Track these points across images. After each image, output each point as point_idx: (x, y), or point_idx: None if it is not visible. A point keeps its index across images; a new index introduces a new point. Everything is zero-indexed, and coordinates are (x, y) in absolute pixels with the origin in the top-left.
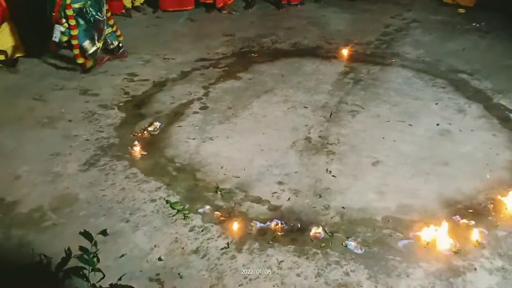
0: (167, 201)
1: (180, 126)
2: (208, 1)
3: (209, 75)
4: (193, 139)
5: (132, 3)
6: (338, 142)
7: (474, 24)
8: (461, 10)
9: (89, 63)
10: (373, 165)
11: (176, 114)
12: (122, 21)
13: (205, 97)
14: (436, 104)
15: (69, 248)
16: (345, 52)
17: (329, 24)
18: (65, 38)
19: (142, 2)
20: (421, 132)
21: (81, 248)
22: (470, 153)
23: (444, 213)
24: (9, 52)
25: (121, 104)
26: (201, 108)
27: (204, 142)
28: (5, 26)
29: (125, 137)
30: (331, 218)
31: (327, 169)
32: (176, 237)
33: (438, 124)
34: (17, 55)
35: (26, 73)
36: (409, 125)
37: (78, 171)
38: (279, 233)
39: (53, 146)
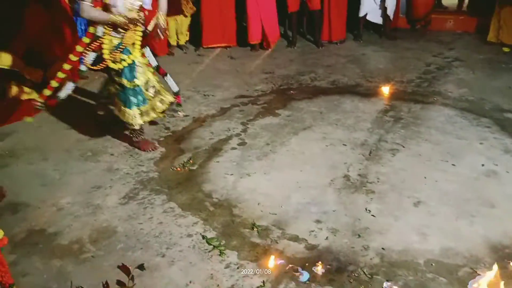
0: (203, 237)
1: (218, 162)
2: (254, 42)
3: (248, 111)
4: (231, 174)
5: (177, 41)
6: (378, 181)
7: None
8: (506, 49)
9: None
10: (415, 205)
11: (215, 150)
12: (165, 59)
13: (244, 133)
14: (481, 143)
15: (106, 282)
16: (385, 90)
17: (369, 62)
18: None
19: (186, 40)
20: (465, 172)
21: (118, 282)
22: None
23: (491, 257)
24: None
25: (161, 139)
26: (239, 144)
27: (241, 178)
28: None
29: (164, 171)
30: (371, 259)
31: (366, 208)
32: (211, 273)
33: (483, 165)
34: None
35: (74, 107)
36: (452, 165)
37: (117, 204)
38: (317, 273)
39: (95, 178)
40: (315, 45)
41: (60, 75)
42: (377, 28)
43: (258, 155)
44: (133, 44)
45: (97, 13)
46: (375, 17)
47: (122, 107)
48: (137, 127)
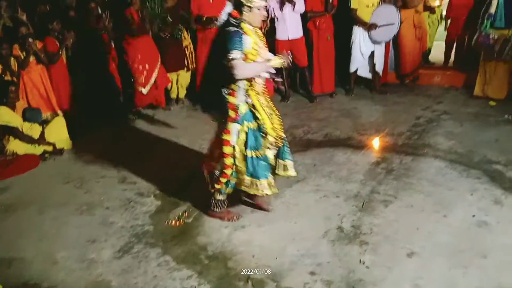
0: None
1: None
2: None
3: None
4: (225, 227)
5: (177, 95)
6: (371, 232)
7: (507, 116)
8: (492, 103)
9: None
10: (408, 256)
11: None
12: (162, 113)
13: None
14: (471, 195)
15: None
16: (377, 142)
17: (361, 115)
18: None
19: (185, 94)
20: (457, 223)
21: None
22: (510, 245)
23: None
24: (57, 144)
25: (157, 192)
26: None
27: (236, 230)
28: (57, 120)
29: (159, 224)
30: None
31: (360, 260)
32: None
33: (474, 216)
34: (64, 147)
35: (71, 161)
36: (444, 216)
37: (112, 258)
38: None
39: (90, 232)
40: (308, 99)
41: (228, 171)
42: (367, 83)
43: (252, 208)
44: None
45: (253, 65)
46: (365, 72)
47: (252, 179)
48: (222, 198)
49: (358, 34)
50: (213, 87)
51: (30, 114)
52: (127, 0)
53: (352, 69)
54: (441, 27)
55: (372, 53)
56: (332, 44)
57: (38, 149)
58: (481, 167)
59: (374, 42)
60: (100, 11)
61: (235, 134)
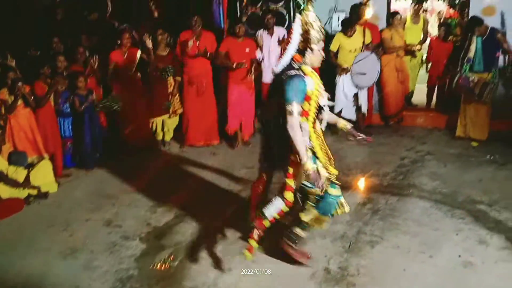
0: None
1: (199, 257)
2: (231, 131)
3: None
4: (212, 270)
5: (162, 137)
6: (358, 274)
7: (488, 156)
8: (475, 144)
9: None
10: None
11: (196, 246)
12: (147, 152)
13: (226, 227)
14: (457, 235)
15: None
16: (362, 183)
17: (347, 156)
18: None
19: (171, 137)
20: (443, 264)
21: None
22: (495, 285)
23: None
24: (42, 187)
25: (142, 235)
26: (220, 239)
27: (222, 273)
28: (43, 164)
29: (144, 268)
30: None
31: None
32: None
33: (459, 256)
34: (49, 190)
35: (55, 205)
36: (430, 256)
37: None
38: None
39: (74, 277)
40: None
41: (285, 208)
42: (352, 124)
43: (239, 250)
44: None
45: (301, 143)
46: (349, 113)
47: (320, 215)
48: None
49: (341, 77)
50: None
51: (15, 158)
52: (115, 44)
53: (336, 110)
54: (423, 71)
55: (356, 95)
56: None
57: (22, 193)
58: (465, 207)
59: (357, 87)
60: (88, 55)
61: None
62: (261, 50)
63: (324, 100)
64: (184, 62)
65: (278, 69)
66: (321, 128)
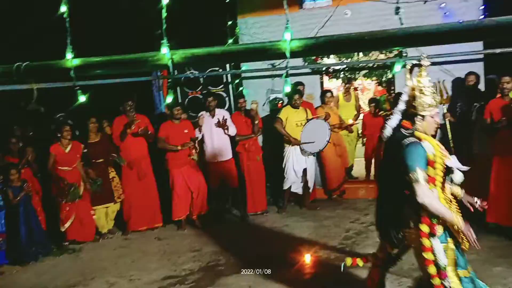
0: None
1: None
2: (178, 218)
3: None
4: None
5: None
6: None
7: None
8: None
9: None
10: None
11: None
12: (90, 246)
13: None
14: None
15: None
16: (310, 258)
17: (293, 232)
18: None
19: (112, 225)
20: None
21: None
22: None
23: None
24: None
25: None
26: None
27: None
28: None
29: None
30: None
31: None
32: None
33: None
34: None
35: None
36: None
37: None
38: None
39: None
40: (241, 219)
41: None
42: (297, 200)
43: None
44: None
45: (442, 207)
46: (298, 188)
47: None
48: None
49: (291, 153)
50: (390, 205)
51: None
52: (53, 136)
53: (286, 187)
54: (360, 144)
55: (304, 171)
56: (261, 165)
57: None
58: (411, 275)
59: (307, 154)
60: (21, 145)
61: (441, 253)
62: (200, 130)
63: (451, 162)
64: (121, 148)
65: (386, 134)
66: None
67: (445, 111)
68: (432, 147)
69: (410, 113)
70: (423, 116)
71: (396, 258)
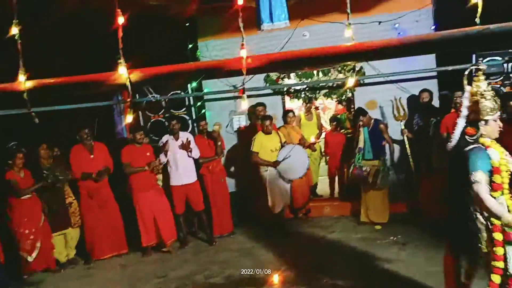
0: None
1: None
2: (147, 245)
3: None
4: None
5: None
6: None
7: (391, 237)
8: (378, 227)
9: None
10: None
11: None
12: (51, 277)
13: None
14: None
15: None
16: (278, 278)
17: (261, 253)
18: None
19: (74, 254)
20: None
21: None
22: None
23: None
24: None
25: None
26: None
27: None
28: None
29: None
30: None
31: None
32: None
33: None
34: None
35: None
36: None
37: None
38: None
39: None
40: (208, 242)
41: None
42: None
43: None
44: None
45: (496, 206)
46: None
47: None
48: None
49: (270, 176)
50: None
51: None
52: (6, 164)
53: (277, 210)
54: (323, 162)
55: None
56: (226, 186)
57: None
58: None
59: (289, 180)
60: None
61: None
62: (165, 154)
63: None
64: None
65: (452, 144)
66: None
67: (402, 127)
68: (498, 153)
69: (473, 119)
70: (486, 120)
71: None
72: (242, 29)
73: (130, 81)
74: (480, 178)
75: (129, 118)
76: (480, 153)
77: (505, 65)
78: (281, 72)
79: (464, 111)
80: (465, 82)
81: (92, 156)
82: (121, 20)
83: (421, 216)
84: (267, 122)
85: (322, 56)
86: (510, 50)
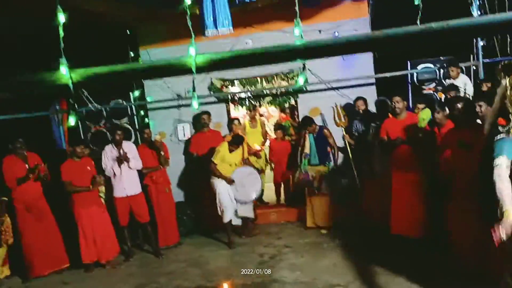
0: None
1: None
2: (87, 262)
3: None
4: None
5: None
6: None
7: (337, 241)
8: (324, 231)
9: None
10: None
11: None
12: None
13: None
14: None
15: None
16: (227, 287)
17: (208, 262)
18: None
19: (7, 275)
20: None
21: None
22: None
23: None
24: None
25: None
26: None
27: None
28: None
29: None
30: None
31: None
32: None
33: None
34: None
35: None
36: None
37: None
38: None
39: None
40: (154, 254)
41: None
42: (208, 231)
43: None
44: None
45: (505, 191)
46: (236, 220)
47: None
48: None
49: (223, 187)
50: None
51: None
52: None
53: (226, 220)
54: (269, 170)
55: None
56: (171, 196)
57: None
58: None
59: (241, 202)
60: None
61: None
62: (111, 164)
63: None
64: (15, 190)
65: (485, 132)
66: None
67: (344, 133)
68: None
69: (505, 111)
70: None
71: None
72: (190, 27)
73: (72, 81)
74: (501, 162)
75: (71, 120)
76: (509, 141)
77: (437, 71)
78: (225, 81)
79: (497, 102)
80: (502, 74)
81: (26, 166)
82: (61, 18)
83: (364, 219)
84: (235, 147)
85: (276, 52)
86: (441, 58)
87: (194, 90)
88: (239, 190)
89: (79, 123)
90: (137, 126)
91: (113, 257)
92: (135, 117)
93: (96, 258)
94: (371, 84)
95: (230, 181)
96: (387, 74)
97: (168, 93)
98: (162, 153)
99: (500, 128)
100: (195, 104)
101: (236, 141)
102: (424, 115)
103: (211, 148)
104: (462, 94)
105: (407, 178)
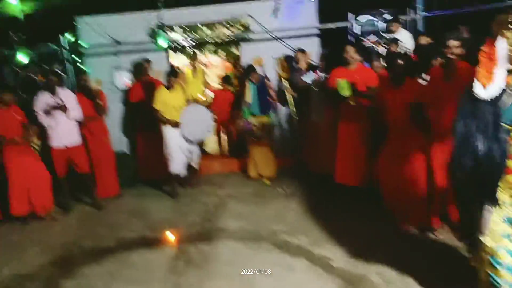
0: None
1: None
2: (19, 215)
3: None
4: None
5: None
6: None
7: (279, 189)
8: (266, 181)
9: None
10: None
11: None
12: None
13: None
14: (268, 268)
15: None
16: (171, 236)
17: (151, 213)
18: None
19: None
20: None
21: None
22: None
23: None
24: None
25: None
26: None
27: None
28: None
29: None
30: None
31: None
32: None
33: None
34: None
35: None
36: None
37: None
38: None
39: None
40: (94, 206)
41: None
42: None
43: None
44: None
45: None
46: (181, 170)
47: None
48: None
49: (170, 135)
50: None
51: None
52: None
53: (174, 170)
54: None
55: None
56: (110, 147)
57: None
58: (270, 240)
59: (190, 142)
60: None
61: None
62: (46, 113)
63: None
64: None
65: (494, 94)
66: None
67: (286, 85)
68: None
69: None
70: None
71: None
72: None
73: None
74: None
75: (23, 58)
76: None
77: (377, 23)
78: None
79: (503, 60)
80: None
81: None
82: None
83: (306, 170)
84: (172, 78)
85: None
86: (382, 10)
87: (162, 27)
88: (189, 128)
89: (3, 68)
90: (69, 73)
91: (50, 208)
92: (67, 63)
93: (28, 209)
94: (314, 35)
95: (175, 124)
96: (332, 25)
97: (105, 38)
98: (99, 101)
99: (507, 89)
100: (162, 42)
101: (172, 73)
102: (343, 84)
103: (152, 97)
104: (402, 48)
105: (354, 128)
